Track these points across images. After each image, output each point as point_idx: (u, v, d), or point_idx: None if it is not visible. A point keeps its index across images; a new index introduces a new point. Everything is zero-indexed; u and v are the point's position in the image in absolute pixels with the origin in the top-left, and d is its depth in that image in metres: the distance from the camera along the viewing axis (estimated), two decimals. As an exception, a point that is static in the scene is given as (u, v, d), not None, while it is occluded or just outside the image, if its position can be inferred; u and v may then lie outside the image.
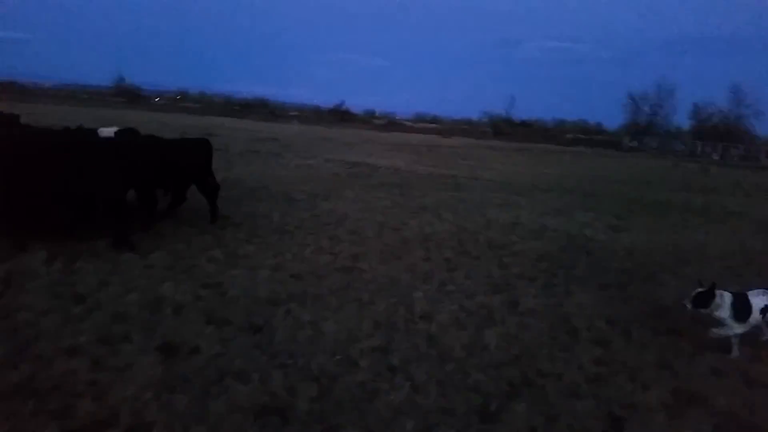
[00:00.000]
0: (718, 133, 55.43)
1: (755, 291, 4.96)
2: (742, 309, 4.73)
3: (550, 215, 11.37)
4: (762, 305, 4.80)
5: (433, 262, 7.06)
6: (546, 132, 64.39)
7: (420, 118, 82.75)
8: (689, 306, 4.86)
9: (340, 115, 66.00)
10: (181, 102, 66.28)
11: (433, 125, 72.47)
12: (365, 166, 18.26)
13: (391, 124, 66.62)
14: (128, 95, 61.61)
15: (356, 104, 78.12)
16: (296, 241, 7.52)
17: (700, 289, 4.80)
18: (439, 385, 3.92)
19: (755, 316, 4.78)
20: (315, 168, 16.57)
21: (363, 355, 4.29)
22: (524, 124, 66.81)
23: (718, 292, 4.75)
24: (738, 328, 4.75)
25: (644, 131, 59.99)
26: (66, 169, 6.31)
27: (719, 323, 4.80)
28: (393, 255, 7.31)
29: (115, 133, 8.42)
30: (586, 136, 61.75)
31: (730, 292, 4.84)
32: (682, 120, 64.56)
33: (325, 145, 26.53)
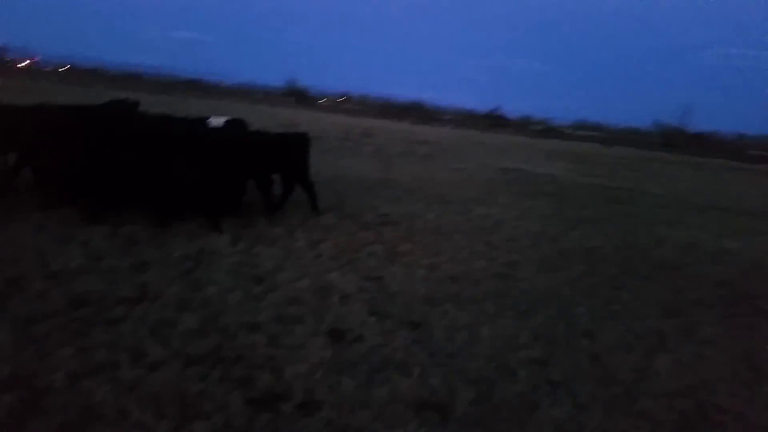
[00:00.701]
0: None
1: None
2: None
3: (730, 237, 10.19)
4: None
5: (596, 278, 6.68)
6: (724, 146, 57.90)
7: (580, 125, 78.95)
8: None
9: (494, 120, 65.15)
10: (343, 104, 70.14)
11: (595, 133, 68.61)
12: (520, 172, 17.82)
13: (548, 130, 64.35)
14: (297, 96, 66.58)
15: (512, 109, 76.65)
16: (452, 243, 7.55)
17: None
18: (604, 407, 3.70)
19: None
20: (469, 172, 16.53)
21: (521, 365, 4.19)
22: (699, 137, 60.62)
23: None
24: None
25: None
26: (163, 155, 6.62)
27: None
28: (552, 266, 7.05)
29: (225, 122, 8.59)
30: (772, 153, 54.42)
31: None
32: None
33: (478, 149, 26.37)
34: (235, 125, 8.56)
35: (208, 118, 8.67)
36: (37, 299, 4.22)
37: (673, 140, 56.67)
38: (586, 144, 48.87)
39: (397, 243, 7.24)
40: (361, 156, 17.47)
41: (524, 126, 67.37)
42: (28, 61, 70.97)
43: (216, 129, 8.19)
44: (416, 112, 66.77)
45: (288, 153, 8.08)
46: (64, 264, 4.97)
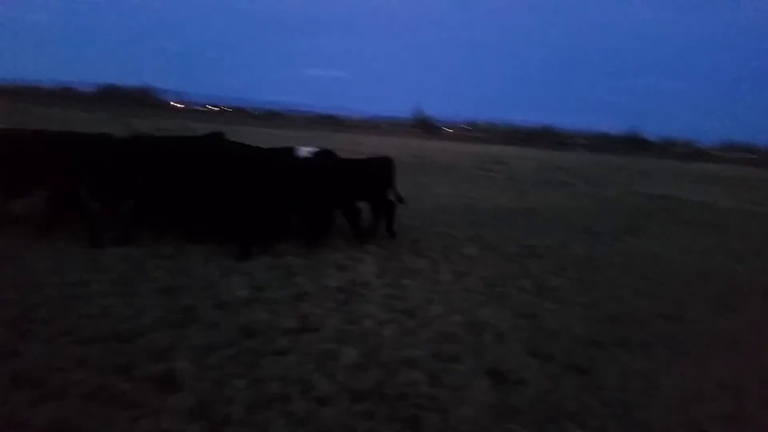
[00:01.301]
0: None
1: None
2: None
3: None
4: None
5: (783, 321, 5.84)
6: None
7: (729, 147, 71.75)
8: None
9: (633, 143, 61.23)
10: (469, 132, 70.07)
11: (747, 155, 61.95)
12: (671, 199, 16.43)
13: (693, 152, 59.16)
14: (424, 126, 67.68)
15: (651, 131, 71.62)
16: (608, 278, 7.04)
17: None
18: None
19: None
20: (613, 199, 15.55)
21: (712, 421, 3.70)
22: None
23: None
24: None
25: None
26: (245, 184, 6.74)
27: None
28: (725, 306, 6.30)
29: (313, 153, 8.56)
30: None
31: None
32: None
33: (620, 175, 24.80)
34: (322, 156, 8.55)
35: (296, 148, 8.73)
36: (211, 328, 4.51)
37: None
38: (739, 167, 44.18)
39: (547, 277, 6.89)
40: (494, 184, 17.15)
41: (666, 148, 62.65)
42: (180, 104, 79.48)
43: (304, 158, 8.29)
44: (546, 137, 64.79)
45: (372, 177, 8.10)
46: (231, 295, 5.29)
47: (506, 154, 33.52)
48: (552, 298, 6.07)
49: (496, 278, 6.62)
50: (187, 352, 4.03)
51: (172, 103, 75.28)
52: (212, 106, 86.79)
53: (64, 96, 63.92)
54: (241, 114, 75.67)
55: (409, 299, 5.62)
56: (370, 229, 8.14)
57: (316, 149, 8.67)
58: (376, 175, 8.19)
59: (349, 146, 22.30)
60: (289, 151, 8.52)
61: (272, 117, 73.75)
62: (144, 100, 66.07)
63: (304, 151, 8.45)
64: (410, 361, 4.20)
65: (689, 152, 59.81)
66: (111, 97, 64.72)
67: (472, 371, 4.13)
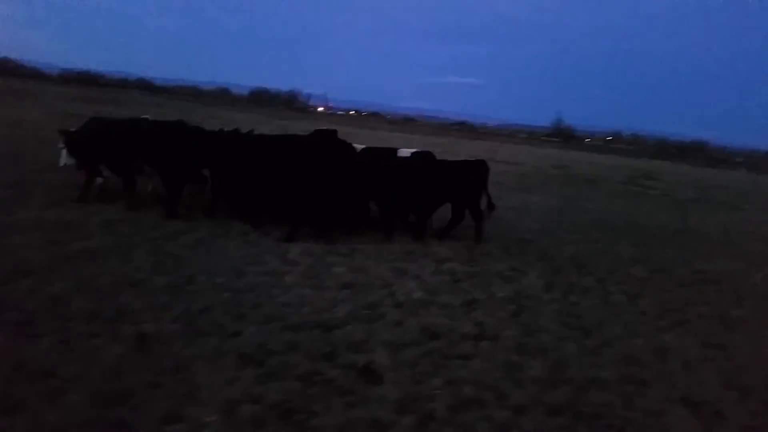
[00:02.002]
0: None
1: None
2: None
3: None
4: None
5: None
6: None
7: None
8: None
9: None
10: (612, 143, 66.26)
11: None
12: None
13: None
14: (563, 135, 65.15)
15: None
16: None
17: None
18: None
19: None
20: (791, 226, 13.93)
21: None
22: None
23: None
24: None
25: None
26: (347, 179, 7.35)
27: None
28: None
29: (412, 153, 8.72)
30: None
31: None
32: None
33: (794, 198, 22.11)
34: (421, 157, 8.67)
35: (398, 149, 9.07)
36: (396, 326, 4.77)
37: None
38: None
39: (727, 306, 6.40)
40: (650, 201, 16.13)
41: None
42: (323, 107, 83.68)
43: (402, 158, 8.55)
44: (698, 152, 59.43)
45: (461, 179, 7.96)
46: (407, 296, 5.54)
47: (658, 169, 31.29)
48: (737, 329, 5.64)
49: (672, 303, 6.27)
50: (380, 346, 4.32)
51: (315, 106, 79.65)
52: (352, 110, 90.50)
53: (221, 97, 70.34)
54: (377, 119, 78.02)
55: (582, 317, 5.51)
56: (446, 230, 8.14)
57: (415, 150, 8.95)
58: (468, 178, 8.06)
59: (485, 154, 22.16)
60: (392, 151, 8.90)
61: (406, 122, 75.20)
62: (291, 103, 70.65)
63: (405, 151, 8.73)
64: (599, 382, 4.14)
65: None
66: (262, 99, 70.07)
67: (664, 398, 3.98)
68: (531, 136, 68.08)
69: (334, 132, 9.54)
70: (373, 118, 79.68)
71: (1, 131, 14.09)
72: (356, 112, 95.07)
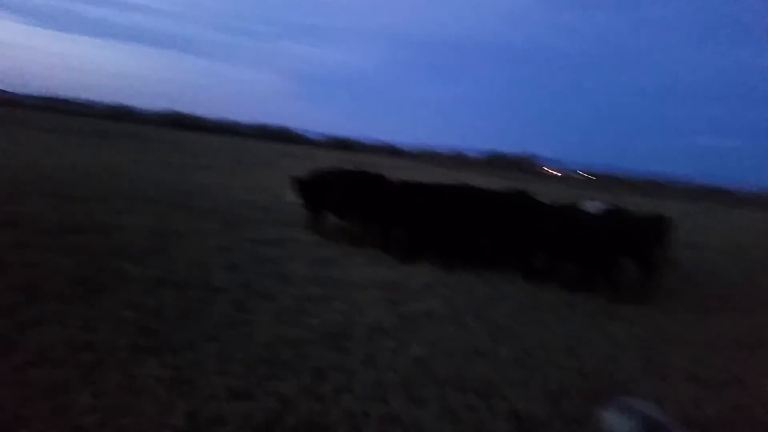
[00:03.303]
0: None
1: None
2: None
3: None
4: None
5: None
6: None
7: None
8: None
9: None
10: None
11: None
12: None
13: None
14: None
15: None
16: None
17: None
18: None
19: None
20: None
21: None
22: None
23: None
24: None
25: None
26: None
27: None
28: None
29: (603, 210, 8.48)
30: None
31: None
32: None
33: None
34: (612, 214, 8.37)
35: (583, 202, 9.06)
36: None
37: None
38: None
39: None
40: None
41: None
42: (555, 171, 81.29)
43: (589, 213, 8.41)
44: None
45: (640, 235, 7.68)
46: None
47: None
48: None
49: None
50: None
51: (548, 169, 78.11)
52: (588, 174, 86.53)
53: (458, 161, 73.25)
54: (617, 182, 73.02)
55: None
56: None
57: (607, 206, 8.75)
58: (645, 232, 7.74)
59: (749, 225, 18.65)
60: (573, 207, 8.82)
61: (651, 187, 68.86)
62: (525, 167, 70.39)
63: (593, 206, 8.75)
64: None
65: None
66: (496, 163, 71.12)
67: None
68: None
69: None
70: (612, 182, 74.87)
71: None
72: (591, 175, 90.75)
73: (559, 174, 77.59)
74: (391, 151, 74.44)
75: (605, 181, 74.82)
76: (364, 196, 9.09)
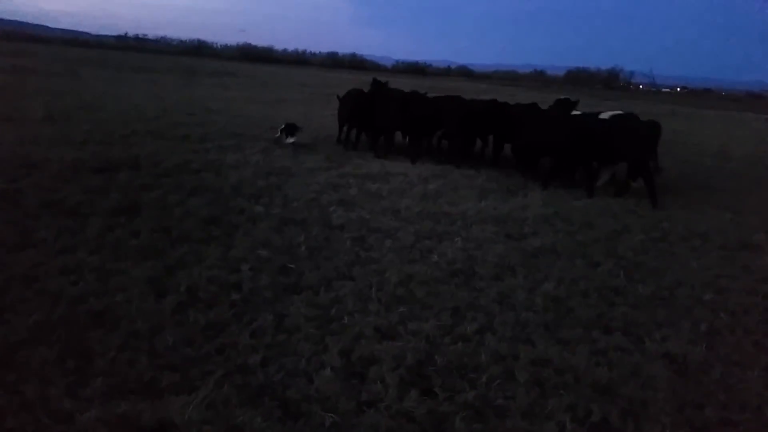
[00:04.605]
0: None
1: None
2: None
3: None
4: None
5: None
6: None
7: None
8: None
9: None
10: None
11: None
12: None
13: None
14: None
15: None
16: None
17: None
18: None
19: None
20: None
21: None
22: None
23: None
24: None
25: None
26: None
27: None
28: None
29: (610, 116, 8.72)
30: None
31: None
32: None
33: None
34: (621, 117, 8.62)
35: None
36: None
37: None
38: None
39: None
40: None
41: None
42: (645, 85, 75.72)
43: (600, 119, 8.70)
44: None
45: (629, 139, 8.07)
46: None
47: None
48: None
49: None
50: None
51: (638, 83, 72.97)
52: (679, 87, 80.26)
53: (538, 80, 69.87)
54: (709, 96, 67.34)
55: None
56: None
57: (617, 113, 8.95)
58: (634, 137, 8.13)
59: None
60: (595, 115, 9.08)
61: (753, 99, 63.06)
62: (611, 82, 66.14)
63: (606, 114, 8.93)
64: None
65: None
66: (579, 80, 67.23)
67: None
68: None
69: (575, 102, 10.20)
70: (705, 95, 69.17)
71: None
72: (683, 88, 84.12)
73: (647, 87, 72.22)
74: (465, 73, 71.78)
75: (698, 94, 69.27)
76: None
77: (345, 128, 11.13)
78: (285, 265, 4.70)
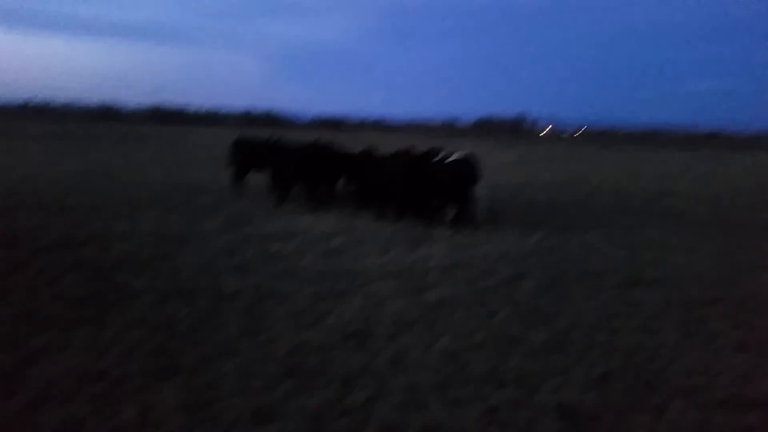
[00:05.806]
0: None
1: None
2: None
3: None
4: None
5: None
6: None
7: None
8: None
9: None
10: None
11: None
12: None
13: None
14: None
15: None
16: None
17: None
18: None
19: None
20: None
21: None
22: None
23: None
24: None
25: None
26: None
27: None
28: None
29: (455, 158, 9.40)
30: None
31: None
32: None
33: None
34: (461, 160, 9.35)
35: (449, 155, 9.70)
36: None
37: None
38: None
39: None
40: None
41: None
42: (547, 129, 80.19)
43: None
44: None
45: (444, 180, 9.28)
46: None
47: None
48: None
49: None
50: None
51: (540, 129, 77.21)
52: (578, 130, 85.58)
53: (447, 130, 72.42)
54: (606, 136, 72.05)
55: None
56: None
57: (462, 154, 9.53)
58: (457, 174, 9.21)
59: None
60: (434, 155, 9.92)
61: (643, 138, 68.02)
62: (517, 129, 69.75)
63: (452, 156, 9.51)
64: None
65: None
66: (487, 128, 70.40)
67: None
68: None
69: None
70: (605, 137, 74.04)
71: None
72: (581, 132, 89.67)
73: (555, 133, 76.56)
74: (380, 126, 73.31)
75: (595, 135, 73.94)
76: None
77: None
78: (159, 345, 4.30)
